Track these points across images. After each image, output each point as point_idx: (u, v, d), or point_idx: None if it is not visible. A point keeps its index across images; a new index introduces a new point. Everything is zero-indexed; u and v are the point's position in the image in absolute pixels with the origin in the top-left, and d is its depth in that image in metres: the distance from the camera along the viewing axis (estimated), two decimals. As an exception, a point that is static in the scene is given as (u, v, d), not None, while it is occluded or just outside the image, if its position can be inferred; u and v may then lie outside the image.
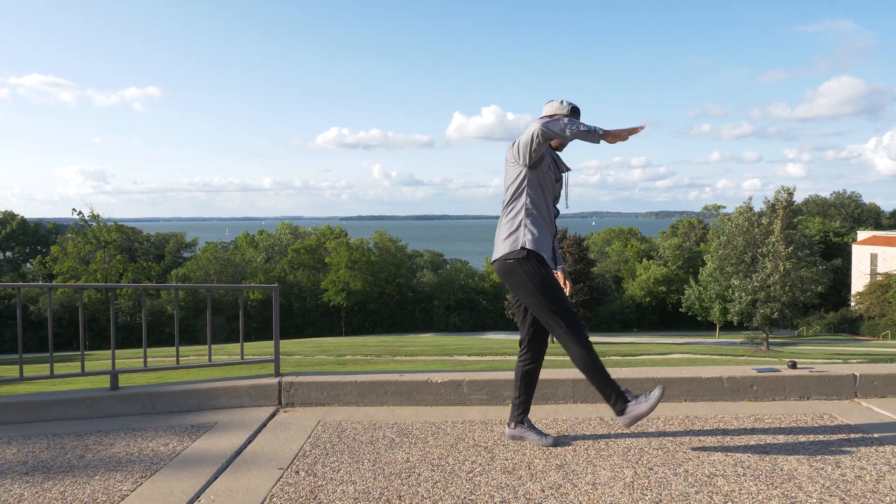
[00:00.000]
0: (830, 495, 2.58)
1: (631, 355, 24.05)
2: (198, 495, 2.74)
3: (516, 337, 39.18)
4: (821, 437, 3.30)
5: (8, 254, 73.49)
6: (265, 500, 2.66)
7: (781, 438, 3.29)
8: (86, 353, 4.25)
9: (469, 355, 23.47)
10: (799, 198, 39.60)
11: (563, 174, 3.29)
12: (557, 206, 3.28)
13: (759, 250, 36.06)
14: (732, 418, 3.65)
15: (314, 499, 2.65)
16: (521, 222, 3.13)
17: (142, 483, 2.90)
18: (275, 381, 4.15)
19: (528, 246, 3.09)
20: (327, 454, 3.19)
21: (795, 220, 37.31)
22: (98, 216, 48.83)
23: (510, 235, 3.14)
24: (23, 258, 72.47)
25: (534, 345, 3.31)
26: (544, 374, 4.09)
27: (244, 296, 48.14)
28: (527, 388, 3.32)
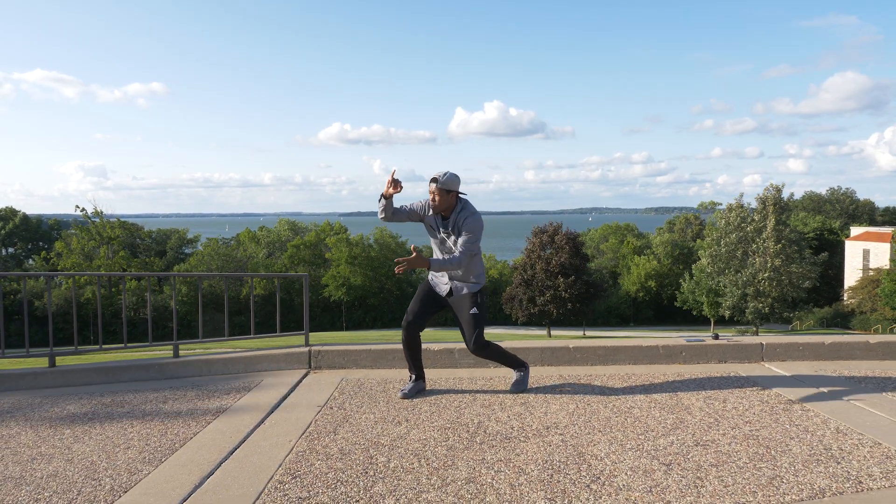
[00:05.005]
0: (709, 417, 3.67)
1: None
2: (262, 421, 3.82)
3: (512, 331, 40.31)
4: (722, 386, 4.39)
5: (10, 250, 74.40)
6: (311, 423, 3.75)
7: (692, 386, 4.38)
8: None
9: (466, 346, 24.53)
10: (797, 194, 40.76)
11: (440, 234, 4.25)
12: (444, 254, 4.25)
13: (751, 247, 37.19)
14: (660, 375, 4.74)
15: (346, 422, 3.74)
16: None
17: (218, 416, 3.98)
18: (305, 349, 5.23)
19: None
20: (352, 398, 4.28)
21: (784, 216, 38.38)
22: (101, 212, 49.79)
23: None
24: (25, 254, 73.37)
25: (463, 336, 4.35)
26: (520, 344, 5.19)
27: (246, 291, 49.17)
28: (495, 358, 4.41)
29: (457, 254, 4.08)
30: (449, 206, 4.12)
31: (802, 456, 3.06)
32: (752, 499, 2.62)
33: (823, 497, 2.62)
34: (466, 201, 4.20)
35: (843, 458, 3.03)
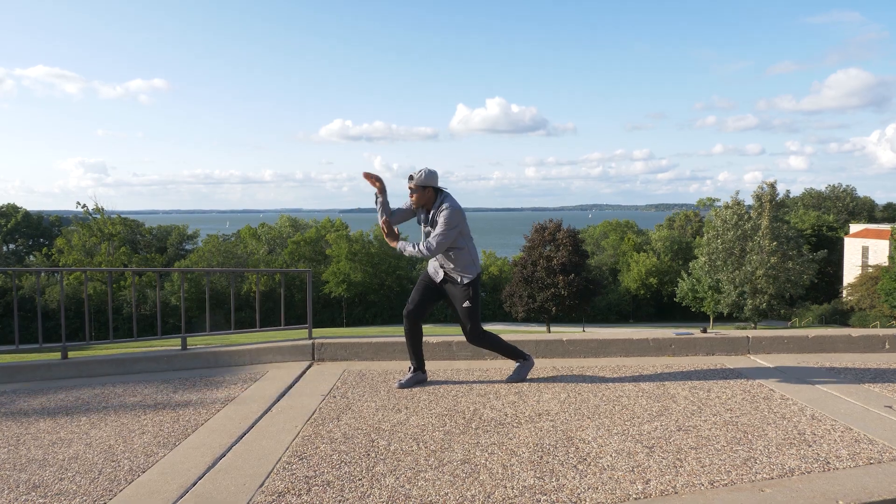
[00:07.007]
0: (692, 405, 3.88)
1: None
2: (269, 409, 4.03)
3: (512, 327, 40.51)
4: (707, 377, 4.59)
5: (11, 246, 74.55)
6: (316, 409, 3.95)
7: (679, 377, 4.58)
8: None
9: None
10: (798, 191, 40.99)
11: (424, 228, 4.49)
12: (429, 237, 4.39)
13: (747, 244, 37.39)
14: (650, 366, 4.94)
15: (349, 408, 3.95)
16: None
17: (227, 404, 4.18)
18: (309, 342, 5.43)
19: None
20: (354, 387, 4.48)
21: (781, 212, 38.55)
22: (102, 209, 49.93)
23: None
24: (26, 251, 73.54)
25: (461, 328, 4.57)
26: (517, 337, 5.38)
27: (247, 288, 49.48)
28: (493, 348, 4.61)
29: (423, 246, 4.31)
30: (428, 200, 4.39)
31: (777, 440, 3.26)
32: (726, 477, 2.82)
33: (792, 476, 2.82)
34: (447, 195, 4.40)
35: (815, 441, 3.24)
